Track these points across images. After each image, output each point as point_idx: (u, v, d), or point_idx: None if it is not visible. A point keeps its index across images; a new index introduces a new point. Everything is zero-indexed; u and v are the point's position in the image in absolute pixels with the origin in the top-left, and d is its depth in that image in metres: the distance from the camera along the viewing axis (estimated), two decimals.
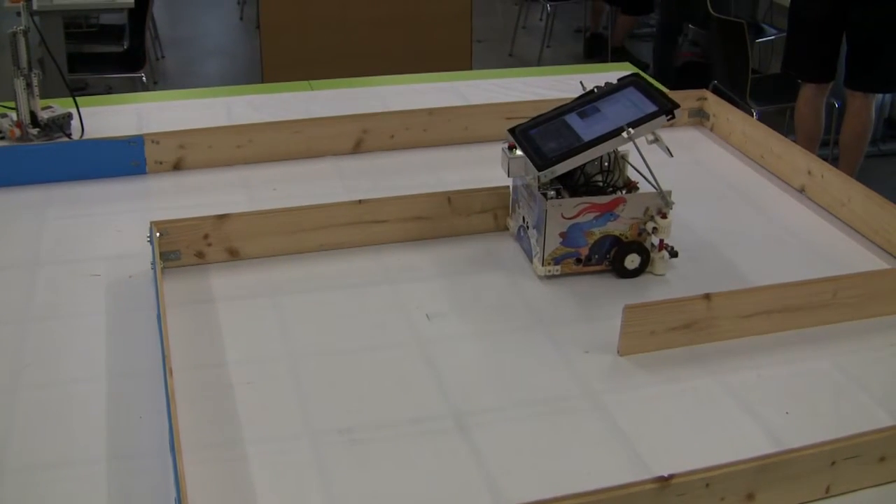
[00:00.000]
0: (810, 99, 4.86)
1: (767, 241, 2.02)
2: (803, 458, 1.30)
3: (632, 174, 1.88)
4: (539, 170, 1.78)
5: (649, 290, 1.81)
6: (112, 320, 1.68)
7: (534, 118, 1.91)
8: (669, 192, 1.81)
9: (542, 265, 1.84)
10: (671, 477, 1.23)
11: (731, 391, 1.54)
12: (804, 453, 1.30)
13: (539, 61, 7.23)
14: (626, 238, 1.84)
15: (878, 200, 2.00)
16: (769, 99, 5.01)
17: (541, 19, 8.16)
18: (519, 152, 1.86)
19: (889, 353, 1.66)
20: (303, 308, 1.74)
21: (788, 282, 1.70)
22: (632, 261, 1.85)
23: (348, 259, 1.89)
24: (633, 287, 1.83)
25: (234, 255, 1.86)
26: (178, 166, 2.24)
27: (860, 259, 1.95)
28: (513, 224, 1.98)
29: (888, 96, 5.79)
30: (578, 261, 1.84)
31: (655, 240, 1.84)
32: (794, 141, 2.54)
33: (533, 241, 1.87)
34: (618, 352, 1.62)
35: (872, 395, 1.54)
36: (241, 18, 8.45)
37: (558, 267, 1.84)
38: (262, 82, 4.94)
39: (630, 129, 1.76)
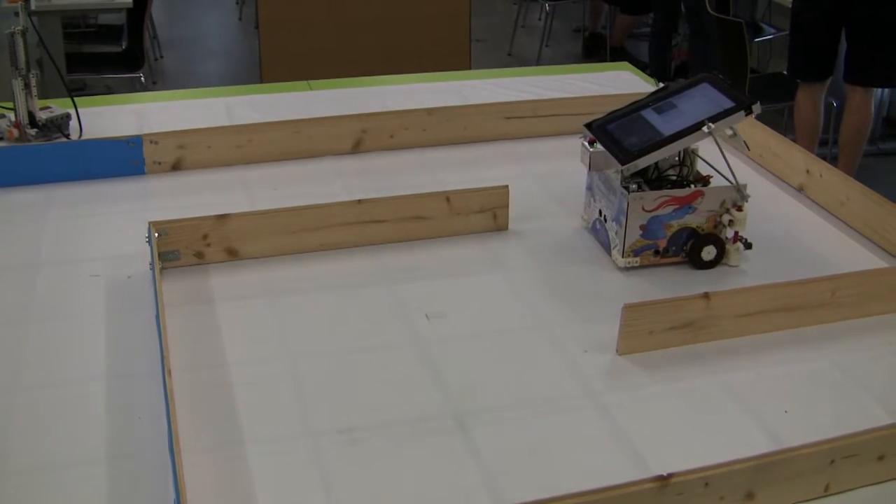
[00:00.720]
0: (809, 96, 4.88)
1: (766, 240, 2.02)
2: (802, 457, 1.30)
3: (701, 167, 1.92)
4: (622, 164, 1.81)
5: (644, 289, 1.81)
6: (111, 321, 1.68)
7: (609, 114, 1.94)
8: (745, 186, 1.84)
9: (623, 256, 1.86)
10: (670, 476, 1.23)
11: (730, 390, 1.54)
12: (803, 452, 1.30)
13: (538, 61, 7.23)
14: (703, 230, 1.87)
15: (877, 199, 2.00)
16: (768, 98, 5.00)
17: (539, 19, 8.16)
18: (599, 147, 1.88)
19: (888, 352, 1.66)
20: (302, 308, 1.74)
21: (787, 281, 1.70)
22: (708, 252, 1.88)
23: (348, 259, 1.89)
24: (625, 287, 1.83)
25: (233, 255, 1.86)
26: (176, 166, 2.24)
27: (859, 258, 1.95)
28: (586, 217, 2.01)
29: (887, 95, 5.79)
30: (657, 252, 1.87)
31: (730, 232, 1.88)
32: (794, 139, 2.54)
33: (612, 233, 1.89)
34: (617, 351, 1.63)
35: (871, 393, 1.54)
36: (240, 18, 8.44)
37: (637, 258, 1.87)
38: (261, 82, 4.95)
39: (710, 124, 1.80)
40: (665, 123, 1.85)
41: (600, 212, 1.95)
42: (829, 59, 4.83)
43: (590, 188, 1.99)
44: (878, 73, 4.72)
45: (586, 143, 1.91)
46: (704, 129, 1.80)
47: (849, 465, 1.33)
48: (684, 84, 1.95)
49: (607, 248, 1.92)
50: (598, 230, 1.97)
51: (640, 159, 1.80)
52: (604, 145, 1.87)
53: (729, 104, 1.84)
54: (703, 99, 1.89)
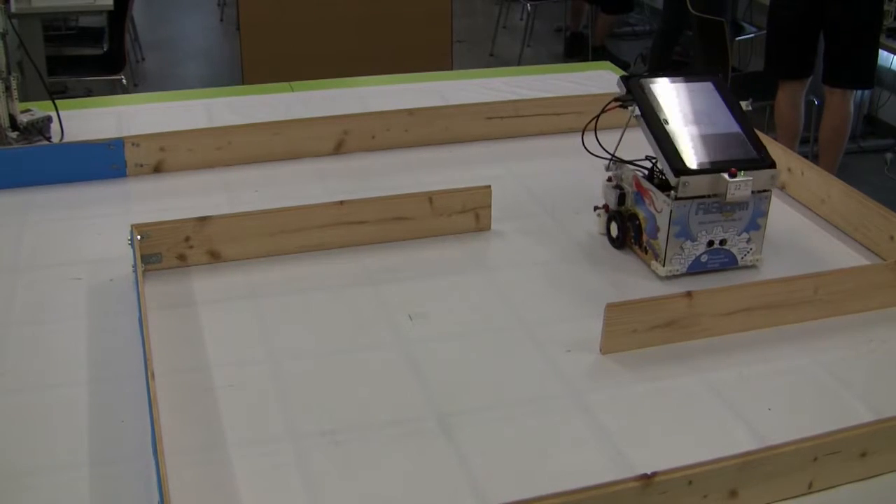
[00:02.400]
0: (789, 95, 4.89)
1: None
2: (785, 454, 1.30)
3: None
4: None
5: (630, 288, 1.81)
6: (93, 324, 1.68)
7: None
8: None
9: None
10: (654, 475, 1.23)
11: (713, 389, 1.54)
12: (786, 450, 1.30)
13: (519, 61, 7.24)
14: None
15: (858, 197, 2.01)
16: (749, 97, 5.02)
17: (521, 19, 8.17)
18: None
19: (869, 349, 1.67)
20: (284, 310, 1.74)
21: (769, 279, 1.70)
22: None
23: (330, 260, 1.89)
24: (612, 286, 1.83)
25: (215, 257, 1.86)
26: (158, 169, 2.23)
27: (840, 256, 1.96)
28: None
29: (867, 93, 5.82)
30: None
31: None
32: (775, 138, 2.55)
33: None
34: (600, 350, 1.63)
35: (853, 391, 1.55)
36: (222, 20, 8.43)
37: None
38: (243, 84, 4.93)
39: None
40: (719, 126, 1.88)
41: (711, 242, 1.84)
42: (808, 57, 4.84)
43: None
44: (854, 75, 4.74)
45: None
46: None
47: (832, 462, 1.33)
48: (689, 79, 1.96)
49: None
50: (707, 263, 1.86)
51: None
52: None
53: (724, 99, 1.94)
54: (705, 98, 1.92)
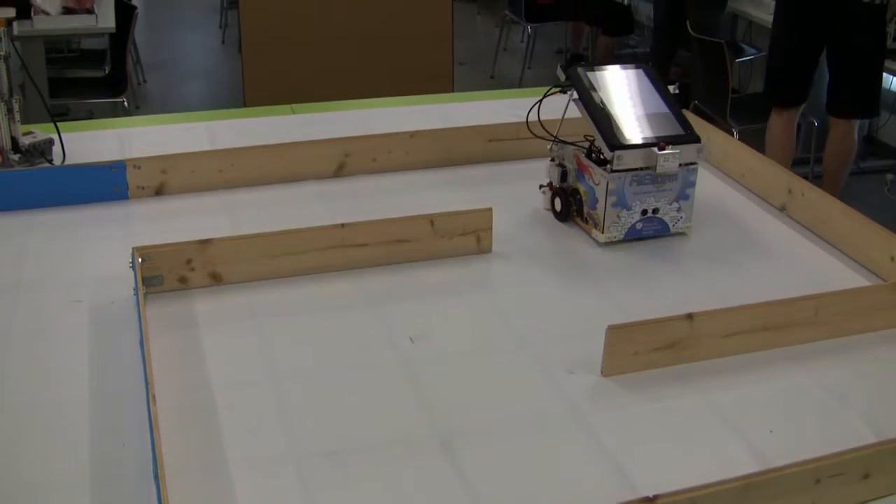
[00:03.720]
0: (785, 120, 4.86)
1: (749, 259, 2.03)
2: (788, 476, 1.30)
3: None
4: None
5: (630, 310, 1.81)
6: (94, 346, 1.68)
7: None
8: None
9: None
10: (656, 497, 1.23)
11: (716, 410, 1.54)
12: (789, 472, 1.30)
13: (520, 83, 7.27)
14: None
15: (859, 218, 2.01)
16: (749, 118, 5.03)
17: (522, 41, 8.19)
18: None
19: (872, 370, 1.67)
20: (286, 332, 1.74)
21: (770, 300, 1.70)
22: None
23: (331, 282, 1.89)
24: (617, 309, 1.83)
25: (216, 279, 1.86)
26: (160, 191, 2.23)
27: (841, 276, 1.96)
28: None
29: None
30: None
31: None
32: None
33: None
34: (602, 372, 1.63)
35: (856, 412, 1.55)
36: (223, 42, 8.46)
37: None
38: (244, 106, 4.95)
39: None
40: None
41: (644, 211, 2.04)
42: (806, 84, 4.83)
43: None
44: (858, 105, 4.71)
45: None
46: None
47: (835, 484, 1.33)
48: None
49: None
50: (642, 230, 2.06)
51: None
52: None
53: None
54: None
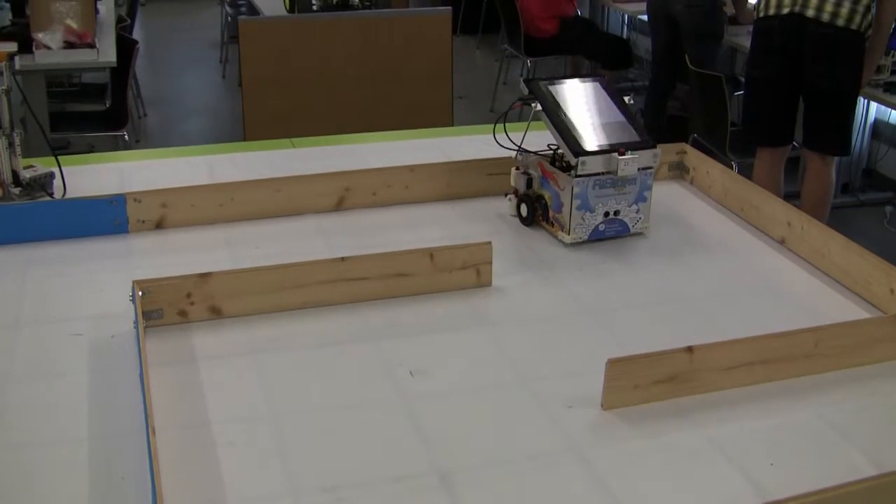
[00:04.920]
0: (766, 163, 4.72)
1: (748, 293, 2.03)
2: None
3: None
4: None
5: (630, 343, 1.81)
6: (94, 380, 1.68)
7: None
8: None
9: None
10: None
11: (716, 444, 1.54)
12: None
13: (520, 117, 7.29)
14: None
15: (858, 251, 2.02)
16: (748, 151, 5.03)
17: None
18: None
19: (872, 403, 1.66)
20: (286, 366, 1.74)
21: (770, 333, 1.70)
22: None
23: (331, 317, 1.89)
24: (610, 340, 1.83)
25: (216, 313, 1.86)
26: (160, 225, 2.24)
27: (841, 309, 1.96)
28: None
29: (865, 147, 5.83)
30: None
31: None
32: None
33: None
34: (601, 406, 1.62)
35: (856, 445, 1.54)
36: (224, 77, 8.50)
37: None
38: (244, 140, 4.96)
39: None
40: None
41: (607, 213, 2.17)
42: (785, 124, 4.70)
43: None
44: (832, 140, 4.58)
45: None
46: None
47: None
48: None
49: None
50: (604, 231, 2.20)
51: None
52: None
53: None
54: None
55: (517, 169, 2.30)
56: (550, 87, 2.27)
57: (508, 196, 2.33)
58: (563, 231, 2.19)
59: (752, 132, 4.81)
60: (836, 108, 4.50)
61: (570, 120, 2.19)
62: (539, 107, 2.23)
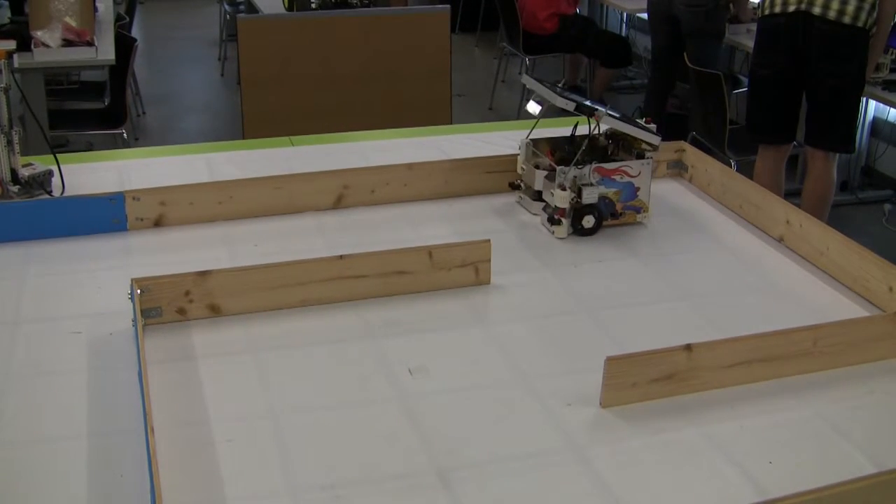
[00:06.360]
0: (768, 161, 4.73)
1: (747, 291, 2.04)
2: None
3: None
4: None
5: (628, 341, 1.81)
6: (93, 378, 1.68)
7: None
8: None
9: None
10: None
11: (714, 442, 1.54)
12: (788, 503, 1.30)
13: (518, 115, 7.28)
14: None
15: (856, 249, 2.02)
16: (747, 149, 5.02)
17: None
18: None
19: (870, 401, 1.66)
20: (285, 364, 1.74)
21: (769, 331, 1.70)
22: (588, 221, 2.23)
23: (330, 314, 1.89)
24: (607, 339, 1.83)
25: (215, 311, 1.86)
26: (159, 223, 2.24)
27: (839, 307, 1.96)
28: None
29: (864, 145, 5.82)
30: None
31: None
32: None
33: None
34: (600, 404, 1.62)
35: (855, 442, 1.54)
36: (222, 75, 8.48)
37: None
38: (243, 138, 4.96)
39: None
40: None
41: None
42: (787, 121, 4.70)
43: None
44: (834, 137, 4.58)
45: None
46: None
47: None
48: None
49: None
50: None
51: None
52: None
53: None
54: None
55: (560, 188, 2.20)
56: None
57: (549, 219, 2.25)
58: (640, 214, 2.28)
59: (755, 130, 4.81)
60: (841, 105, 4.50)
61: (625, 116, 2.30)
62: (605, 112, 2.26)
